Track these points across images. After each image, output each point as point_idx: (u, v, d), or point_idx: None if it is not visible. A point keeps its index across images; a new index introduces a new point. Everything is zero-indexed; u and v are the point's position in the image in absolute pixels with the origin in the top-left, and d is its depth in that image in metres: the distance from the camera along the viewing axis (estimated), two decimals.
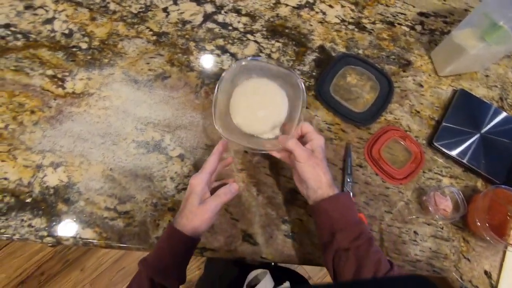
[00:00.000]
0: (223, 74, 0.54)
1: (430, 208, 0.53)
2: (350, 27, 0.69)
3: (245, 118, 0.55)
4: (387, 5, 0.72)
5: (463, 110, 0.62)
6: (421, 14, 0.71)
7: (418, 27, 0.70)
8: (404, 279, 0.34)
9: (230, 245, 0.53)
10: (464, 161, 0.59)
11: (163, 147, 0.58)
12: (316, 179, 0.44)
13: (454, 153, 0.59)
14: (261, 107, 0.55)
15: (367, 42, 0.68)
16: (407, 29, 0.70)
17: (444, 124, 0.60)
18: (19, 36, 0.64)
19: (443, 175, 0.59)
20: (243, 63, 0.55)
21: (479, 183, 0.59)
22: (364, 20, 0.70)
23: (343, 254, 0.41)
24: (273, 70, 0.56)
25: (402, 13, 0.71)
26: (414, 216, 0.56)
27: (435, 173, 0.59)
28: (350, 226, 0.42)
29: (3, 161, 0.56)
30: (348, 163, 0.58)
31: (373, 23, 0.70)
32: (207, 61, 0.65)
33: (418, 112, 0.63)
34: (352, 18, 0.70)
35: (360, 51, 0.67)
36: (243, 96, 0.56)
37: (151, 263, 0.43)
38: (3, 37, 0.64)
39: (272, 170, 0.58)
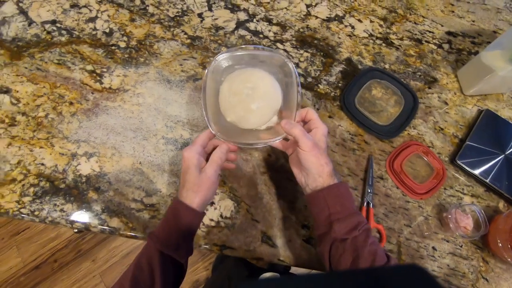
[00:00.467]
0: (205, 72, 0.52)
1: (450, 225, 0.53)
2: (378, 42, 0.71)
3: (238, 115, 0.52)
4: (415, 23, 0.73)
5: (488, 130, 0.62)
6: (449, 33, 0.72)
7: (446, 46, 0.71)
8: (400, 268, 0.33)
9: (249, 245, 0.55)
10: (487, 181, 0.59)
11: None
12: (319, 169, 0.44)
13: (477, 172, 0.59)
14: (253, 99, 0.51)
15: (393, 57, 0.70)
16: (434, 47, 0.71)
17: (468, 142, 0.61)
18: (63, 32, 0.69)
19: (465, 193, 0.59)
20: (221, 56, 0.52)
21: (501, 204, 0.59)
22: (392, 36, 0.72)
23: (339, 245, 0.41)
24: (256, 56, 0.53)
25: (430, 31, 0.72)
26: (433, 232, 0.56)
27: (457, 190, 0.59)
28: (348, 217, 0.42)
29: (41, 147, 0.59)
30: (369, 175, 0.59)
31: (401, 39, 0.71)
32: None
33: (442, 129, 0.64)
34: (380, 33, 0.72)
35: (387, 66, 0.69)
36: (231, 91, 0.53)
37: (160, 236, 0.43)
38: (49, 32, 0.68)
39: (294, 175, 0.59)
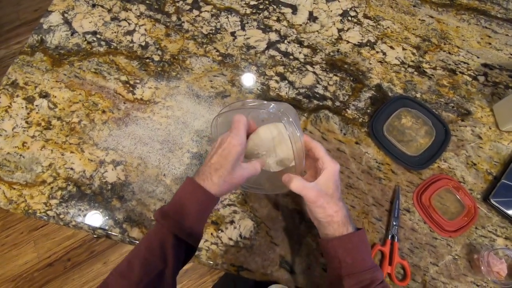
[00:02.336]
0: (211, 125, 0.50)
1: (482, 268, 0.50)
2: (410, 70, 0.70)
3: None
4: (449, 53, 0.72)
5: None
6: (485, 65, 0.70)
7: (481, 78, 0.69)
8: None
9: (267, 269, 0.53)
10: None
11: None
12: (327, 220, 0.41)
13: (511, 212, 0.56)
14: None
15: (426, 86, 0.68)
16: (469, 78, 0.69)
17: (503, 181, 0.58)
18: (102, 43, 0.72)
19: (498, 235, 0.56)
20: (222, 114, 0.49)
21: None
22: (424, 65, 0.70)
23: None
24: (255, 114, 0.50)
25: (465, 62, 0.70)
26: (462, 273, 0.53)
27: (489, 231, 0.56)
28: (361, 273, 0.39)
29: (72, 152, 0.61)
30: (395, 206, 0.57)
31: (434, 68, 0.70)
32: (265, 86, 0.68)
33: (475, 164, 0.61)
34: (413, 61, 0.71)
35: (418, 95, 0.67)
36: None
37: (174, 218, 0.40)
38: (89, 43, 0.72)
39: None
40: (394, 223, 0.55)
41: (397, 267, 0.53)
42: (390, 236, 0.55)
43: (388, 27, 0.74)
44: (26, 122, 0.63)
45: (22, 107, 0.65)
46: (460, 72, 0.70)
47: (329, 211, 0.41)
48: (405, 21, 0.75)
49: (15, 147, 0.61)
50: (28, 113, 0.64)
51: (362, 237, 0.42)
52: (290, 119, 0.43)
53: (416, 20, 0.75)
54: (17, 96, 0.66)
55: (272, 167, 0.48)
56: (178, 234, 0.39)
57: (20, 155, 0.60)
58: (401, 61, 0.71)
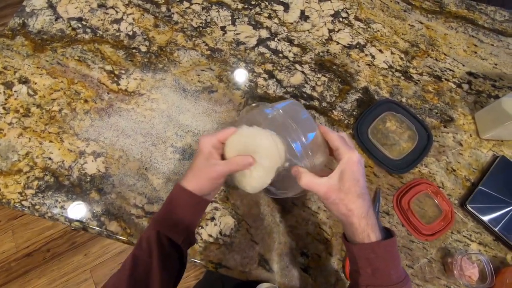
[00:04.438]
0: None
1: (455, 272, 0.52)
2: (397, 74, 0.70)
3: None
4: (436, 59, 0.73)
5: (502, 177, 0.61)
6: (470, 73, 0.71)
7: (465, 86, 0.70)
8: None
9: (245, 267, 0.53)
10: (496, 229, 0.57)
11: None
12: (346, 216, 0.37)
13: (486, 218, 0.57)
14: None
15: (411, 91, 0.69)
16: (453, 85, 0.70)
17: (480, 187, 0.59)
18: (88, 30, 0.70)
19: (472, 240, 0.57)
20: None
21: (509, 256, 0.57)
22: (411, 70, 0.71)
23: None
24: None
25: (450, 70, 0.72)
26: (435, 276, 0.55)
27: (464, 236, 0.57)
28: (390, 287, 0.35)
29: (51, 141, 0.59)
30: (375, 209, 0.57)
31: (420, 74, 0.71)
32: (253, 83, 0.67)
33: (454, 170, 0.62)
34: (400, 66, 0.71)
35: (404, 99, 0.68)
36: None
37: (158, 216, 0.42)
38: (74, 29, 0.70)
39: (299, 200, 0.58)
40: None
41: None
42: None
43: (378, 31, 0.75)
44: (4, 108, 0.61)
45: (0, 93, 0.62)
46: (445, 79, 0.71)
47: (342, 209, 0.36)
48: (395, 25, 0.76)
49: None
50: (6, 99, 0.62)
51: (390, 247, 0.36)
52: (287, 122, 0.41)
53: (406, 25, 0.76)
54: None
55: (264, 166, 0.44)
56: (160, 230, 0.41)
57: None
58: (389, 65, 0.71)
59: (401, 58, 0.72)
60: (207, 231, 0.55)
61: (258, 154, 0.43)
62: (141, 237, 0.42)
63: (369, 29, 0.75)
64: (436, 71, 0.71)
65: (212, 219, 0.56)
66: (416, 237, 0.56)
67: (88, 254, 1.26)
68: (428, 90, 0.69)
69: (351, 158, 0.38)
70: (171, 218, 0.42)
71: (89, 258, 1.26)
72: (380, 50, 0.73)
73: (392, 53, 0.72)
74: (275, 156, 0.43)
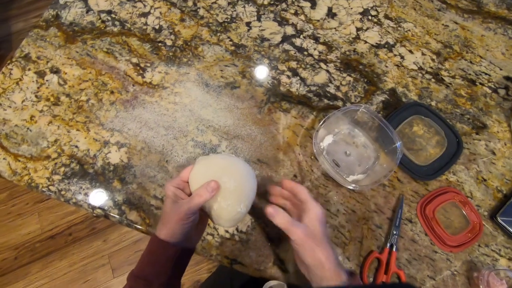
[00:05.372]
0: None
1: (480, 287, 0.49)
2: (427, 76, 0.67)
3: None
4: (471, 62, 0.69)
5: None
6: (507, 78, 0.67)
7: (502, 91, 0.66)
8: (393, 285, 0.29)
9: (260, 265, 0.53)
10: None
11: (218, 152, 0.60)
12: (318, 265, 0.38)
13: None
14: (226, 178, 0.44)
15: (442, 95, 0.66)
16: (489, 90, 0.66)
17: None
18: (116, 23, 0.71)
19: (501, 255, 0.54)
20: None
21: None
22: (443, 72, 0.68)
23: None
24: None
25: (486, 73, 0.68)
26: None
27: (492, 250, 0.54)
28: None
29: (78, 130, 0.61)
30: (397, 215, 0.55)
31: (453, 77, 0.67)
32: (276, 80, 0.66)
33: (485, 180, 0.59)
34: (431, 68, 0.68)
35: (433, 103, 0.65)
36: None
37: (134, 273, 0.41)
38: (103, 21, 0.71)
39: (318, 201, 0.57)
40: (395, 232, 0.54)
41: (393, 276, 0.52)
42: (389, 244, 0.54)
43: (409, 30, 0.72)
44: (36, 96, 0.64)
45: (33, 81, 0.65)
46: (480, 83, 0.67)
47: (319, 255, 0.38)
48: (427, 25, 0.72)
49: (23, 120, 0.62)
50: (38, 87, 0.64)
51: (357, 282, 0.39)
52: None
53: (439, 25, 0.72)
54: (29, 69, 0.66)
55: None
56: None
57: (28, 128, 0.61)
58: (419, 66, 0.68)
59: (433, 60, 0.69)
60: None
61: (222, 177, 0.42)
62: None
63: (399, 28, 0.72)
64: (470, 74, 0.68)
65: None
66: (440, 247, 0.54)
67: (107, 240, 1.31)
68: (460, 94, 0.66)
69: (320, 211, 0.41)
70: (146, 275, 0.41)
71: (108, 244, 1.30)
72: (410, 51, 0.70)
73: (423, 54, 0.69)
74: (240, 173, 0.43)
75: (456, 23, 0.73)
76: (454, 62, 0.69)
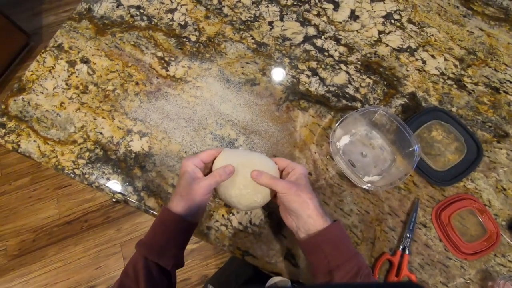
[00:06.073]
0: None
1: None
2: (449, 82, 0.67)
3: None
4: (495, 69, 0.68)
5: None
6: None
7: None
8: (397, 285, 0.30)
9: (272, 258, 0.54)
10: None
11: (236, 146, 0.62)
12: (304, 207, 0.42)
13: None
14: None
15: (463, 101, 0.65)
16: None
17: None
18: (144, 18, 0.74)
19: None
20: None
21: None
22: (466, 79, 0.67)
23: None
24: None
25: (511, 82, 0.66)
26: None
27: (509, 260, 0.53)
28: (348, 261, 0.39)
29: (103, 118, 0.64)
30: (412, 218, 0.55)
31: (476, 84, 0.66)
32: (296, 79, 0.67)
33: (505, 189, 0.58)
34: (453, 73, 0.67)
35: (454, 109, 0.64)
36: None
37: (145, 243, 0.42)
38: (132, 16, 0.74)
39: (331, 199, 0.58)
40: (408, 235, 0.54)
41: (404, 279, 0.52)
42: (401, 247, 0.53)
43: (432, 35, 0.71)
44: (66, 84, 0.67)
45: (64, 70, 0.69)
46: (504, 91, 0.65)
47: (303, 197, 0.42)
48: (452, 30, 0.72)
49: (54, 105, 0.65)
50: (68, 76, 0.68)
51: (340, 226, 0.43)
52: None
53: (464, 31, 0.72)
54: (61, 58, 0.70)
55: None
56: (147, 257, 0.41)
57: (57, 113, 0.64)
58: (441, 71, 0.68)
59: (455, 66, 0.68)
60: (237, 219, 0.56)
61: (245, 167, 0.46)
62: (128, 264, 0.42)
63: (422, 33, 0.72)
64: (494, 82, 0.66)
65: None
66: (454, 254, 0.53)
67: (120, 230, 1.35)
68: (483, 102, 0.65)
69: (303, 168, 0.46)
70: (160, 245, 0.42)
71: (121, 233, 1.34)
72: (432, 56, 0.69)
73: (445, 59, 0.69)
74: (264, 168, 0.46)
75: (481, 29, 0.72)
76: (478, 69, 0.68)
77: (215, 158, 0.49)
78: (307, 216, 0.42)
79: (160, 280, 0.41)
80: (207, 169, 0.49)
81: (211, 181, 0.44)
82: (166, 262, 0.41)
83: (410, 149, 0.55)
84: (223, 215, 0.57)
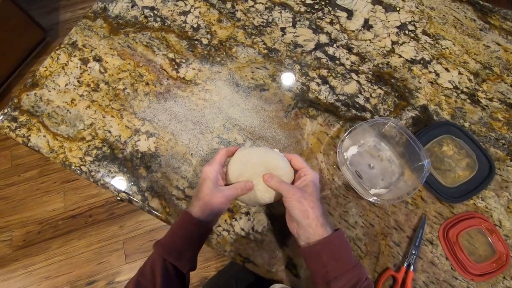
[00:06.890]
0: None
1: None
2: (462, 96, 0.65)
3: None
4: (511, 86, 0.66)
5: None
6: None
7: None
8: None
9: (272, 267, 0.53)
10: None
11: None
12: (304, 215, 0.41)
13: None
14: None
15: (477, 117, 0.63)
16: None
17: None
18: (158, 19, 0.75)
19: None
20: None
21: None
22: (480, 94, 0.65)
23: None
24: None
25: None
26: None
27: None
28: (347, 273, 0.39)
29: (112, 116, 0.65)
30: (418, 234, 0.54)
31: (490, 99, 0.65)
32: (305, 86, 0.67)
33: None
34: (467, 88, 0.66)
35: (466, 124, 0.63)
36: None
37: (165, 244, 0.43)
38: (146, 17, 0.75)
39: (336, 210, 0.57)
40: (413, 252, 0.52)
41: None
42: (406, 264, 0.52)
43: (447, 48, 0.70)
44: (78, 81, 0.68)
45: (77, 67, 0.69)
46: None
47: (305, 206, 0.42)
48: (467, 44, 0.70)
49: (65, 102, 0.66)
50: (81, 73, 0.69)
51: (341, 236, 0.42)
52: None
53: (480, 45, 0.70)
54: (74, 56, 0.71)
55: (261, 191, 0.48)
56: (166, 258, 0.42)
57: (68, 110, 0.65)
58: (454, 85, 0.66)
59: (470, 80, 0.67)
60: (240, 224, 0.56)
61: (260, 167, 0.47)
62: (145, 263, 0.43)
63: (437, 45, 0.70)
64: (509, 98, 0.65)
65: (247, 213, 0.57)
66: (461, 274, 0.52)
67: (123, 227, 1.35)
68: (497, 118, 0.63)
69: (314, 175, 0.46)
70: (178, 247, 0.43)
71: (124, 230, 1.35)
72: (446, 69, 0.68)
73: (460, 73, 0.67)
74: (277, 170, 0.47)
75: (498, 44, 0.70)
76: (493, 84, 0.66)
77: (229, 155, 0.50)
78: (307, 225, 0.42)
79: (175, 282, 0.42)
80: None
81: (232, 193, 0.45)
82: (183, 264, 0.42)
83: (420, 163, 0.54)
84: (225, 220, 0.56)
